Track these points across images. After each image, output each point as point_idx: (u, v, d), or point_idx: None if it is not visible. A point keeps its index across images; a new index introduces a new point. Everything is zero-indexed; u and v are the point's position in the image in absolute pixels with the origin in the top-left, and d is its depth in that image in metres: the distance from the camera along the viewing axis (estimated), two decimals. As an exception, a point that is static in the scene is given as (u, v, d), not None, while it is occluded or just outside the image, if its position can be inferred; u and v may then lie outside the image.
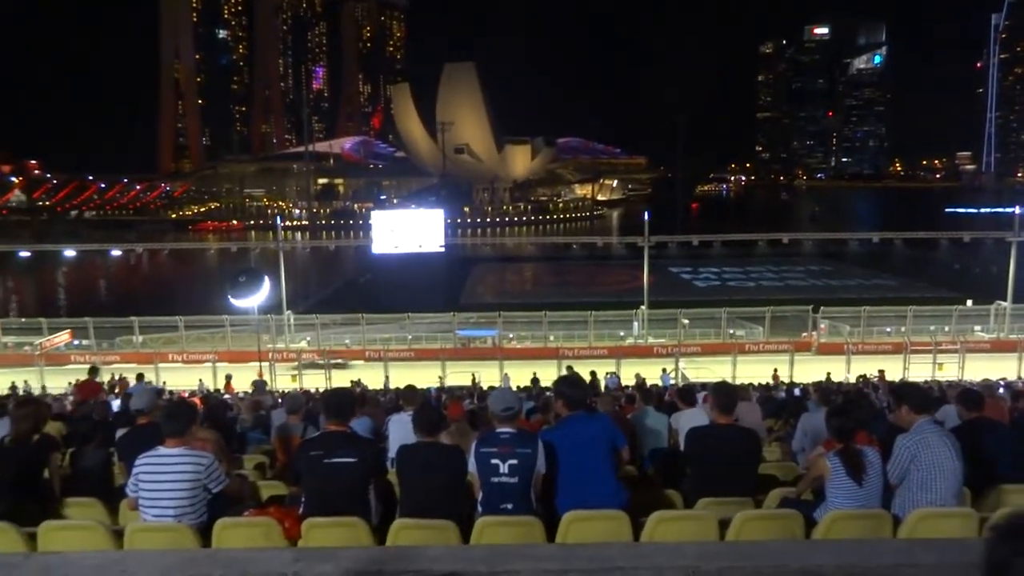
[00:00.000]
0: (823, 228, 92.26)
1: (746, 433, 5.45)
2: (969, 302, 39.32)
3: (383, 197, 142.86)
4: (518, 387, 22.04)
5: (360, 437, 5.25)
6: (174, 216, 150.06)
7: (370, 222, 53.95)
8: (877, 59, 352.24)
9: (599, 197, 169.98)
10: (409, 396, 8.13)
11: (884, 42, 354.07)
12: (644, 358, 32.43)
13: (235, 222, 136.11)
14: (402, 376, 25.17)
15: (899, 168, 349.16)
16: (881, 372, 23.42)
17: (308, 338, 37.75)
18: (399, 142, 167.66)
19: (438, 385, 25.15)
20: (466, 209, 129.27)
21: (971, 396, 6.30)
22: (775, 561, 3.29)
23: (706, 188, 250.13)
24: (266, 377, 26.16)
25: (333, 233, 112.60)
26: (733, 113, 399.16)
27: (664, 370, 28.30)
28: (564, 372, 20.15)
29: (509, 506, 4.54)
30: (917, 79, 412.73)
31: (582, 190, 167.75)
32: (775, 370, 27.46)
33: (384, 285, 56.98)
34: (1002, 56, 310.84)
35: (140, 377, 18.48)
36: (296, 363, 31.63)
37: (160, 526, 4.41)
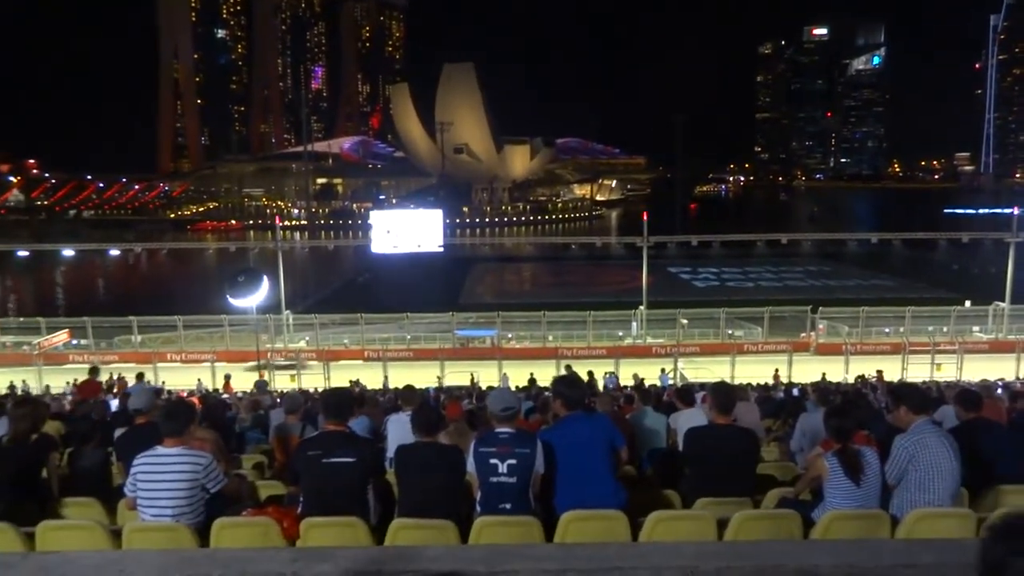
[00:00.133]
0: (822, 229, 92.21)
1: (744, 433, 5.45)
2: (967, 303, 39.39)
3: (382, 197, 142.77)
4: (517, 387, 22.04)
5: (359, 437, 5.25)
6: (173, 216, 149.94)
7: (369, 222, 54.02)
8: (876, 60, 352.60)
9: (598, 197, 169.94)
10: (408, 396, 8.13)
11: (883, 43, 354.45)
12: (643, 358, 32.45)
13: (234, 222, 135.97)
14: (401, 376, 25.17)
15: (898, 169, 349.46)
16: (879, 372, 23.48)
17: (307, 338, 37.75)
18: (398, 142, 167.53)
19: (437, 385, 25.17)
20: (465, 209, 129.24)
21: (969, 397, 6.30)
22: (773, 561, 3.30)
23: (705, 188, 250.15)
24: (255, 377, 26.21)
25: (332, 233, 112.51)
26: (732, 113, 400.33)
27: (663, 370, 28.33)
28: (563, 372, 20.16)
29: (508, 506, 4.54)
30: (916, 80, 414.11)
31: (581, 190, 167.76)
32: (776, 370, 27.50)
33: (383, 285, 57.00)
34: (1000, 57, 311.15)
35: (140, 377, 18.47)
36: (256, 363, 31.71)
37: (158, 526, 4.41)
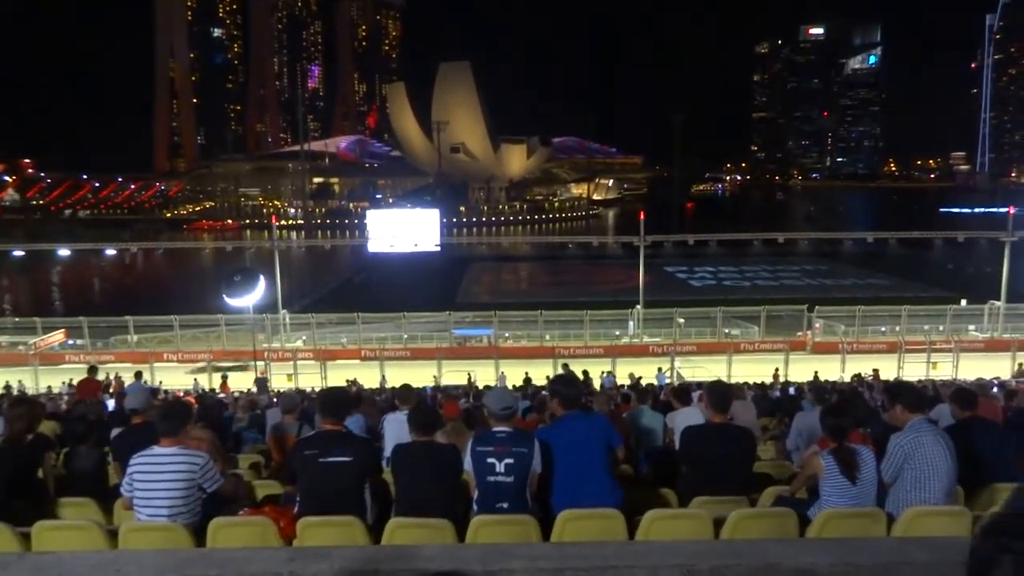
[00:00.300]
0: (818, 228, 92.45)
1: (741, 432, 5.46)
2: (963, 302, 39.50)
3: (379, 196, 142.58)
4: (514, 386, 22.07)
5: (355, 436, 5.25)
6: (169, 215, 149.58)
7: (366, 221, 53.95)
8: (872, 59, 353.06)
9: (595, 196, 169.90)
10: (404, 395, 8.12)
11: (879, 42, 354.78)
12: (640, 357, 32.51)
13: (230, 221, 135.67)
14: (398, 375, 25.16)
15: (894, 168, 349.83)
16: (875, 371, 23.53)
17: (304, 337, 37.72)
18: (395, 141, 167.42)
19: (434, 384, 25.18)
20: (462, 208, 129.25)
21: (965, 395, 6.32)
22: (769, 560, 3.30)
23: (702, 187, 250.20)
24: (250, 376, 26.22)
25: (328, 232, 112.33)
26: (729, 113, 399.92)
27: (660, 369, 28.36)
28: (559, 371, 20.17)
29: (505, 505, 4.54)
30: (912, 80, 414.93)
31: (578, 189, 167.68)
32: (776, 369, 27.55)
33: (380, 284, 56.99)
34: (996, 57, 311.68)
35: (138, 375, 18.43)
36: (203, 364, 31.67)
37: (154, 526, 4.40)
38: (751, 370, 27.78)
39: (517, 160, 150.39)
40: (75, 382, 20.14)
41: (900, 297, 45.50)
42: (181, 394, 20.73)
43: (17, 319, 41.89)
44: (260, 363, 30.26)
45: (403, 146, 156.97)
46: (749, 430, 5.96)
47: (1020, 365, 27.31)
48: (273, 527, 4.45)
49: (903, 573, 3.23)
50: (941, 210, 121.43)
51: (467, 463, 4.72)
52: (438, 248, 51.16)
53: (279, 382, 27.46)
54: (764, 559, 3.30)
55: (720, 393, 5.52)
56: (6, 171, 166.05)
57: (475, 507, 4.68)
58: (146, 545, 4.25)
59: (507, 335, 36.94)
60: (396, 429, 6.77)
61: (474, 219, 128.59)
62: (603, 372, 26.63)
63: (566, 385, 5.28)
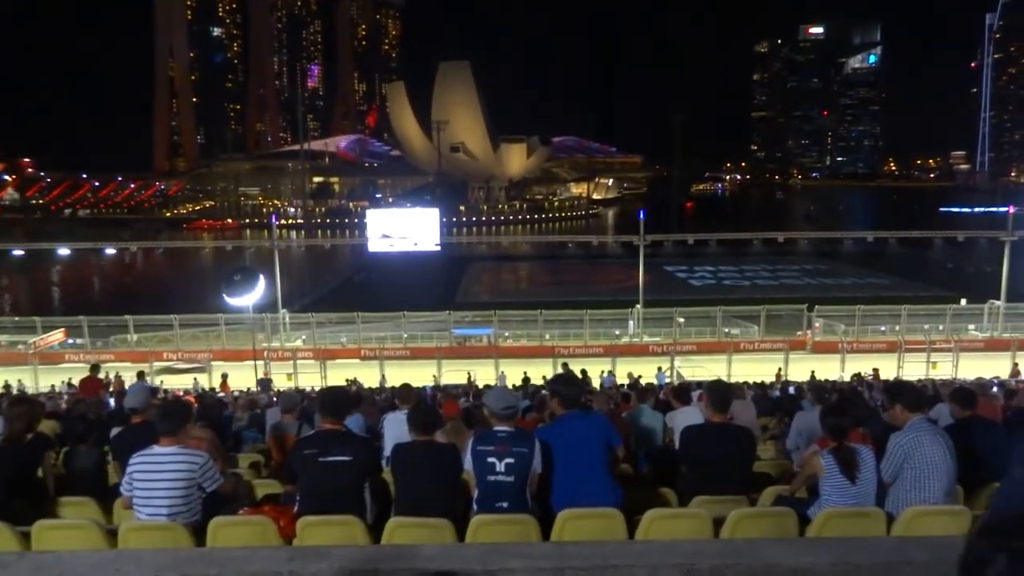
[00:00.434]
0: (818, 227, 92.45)
1: (740, 431, 5.46)
2: (963, 301, 39.52)
3: (378, 196, 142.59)
4: (514, 385, 22.08)
5: (355, 436, 5.25)
6: (169, 215, 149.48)
7: (365, 221, 53.92)
8: (872, 59, 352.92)
9: (594, 196, 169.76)
10: (404, 395, 8.12)
11: (879, 42, 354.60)
12: (639, 357, 32.51)
13: (230, 220, 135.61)
14: (398, 375, 25.17)
15: (893, 167, 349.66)
16: (875, 371, 23.54)
17: (303, 336, 37.72)
18: (394, 140, 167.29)
19: (433, 384, 25.19)
20: (462, 208, 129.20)
21: (964, 395, 6.32)
22: (769, 559, 3.30)
23: (701, 187, 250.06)
24: (250, 375, 26.22)
25: (328, 232, 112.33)
26: (729, 112, 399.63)
27: (659, 369, 28.36)
28: (559, 371, 20.18)
29: (505, 504, 4.54)
30: (912, 79, 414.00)
31: (577, 189, 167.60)
32: (779, 369, 27.54)
33: (379, 284, 56.97)
34: (996, 56, 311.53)
35: (141, 375, 18.42)
36: (174, 364, 31.63)
37: (154, 525, 4.40)
38: (751, 369, 27.79)
39: (517, 159, 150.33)
40: (75, 381, 20.17)
41: (900, 297, 45.50)
42: (181, 393, 20.74)
43: (17, 318, 41.91)
44: (260, 362, 30.26)
45: (403, 145, 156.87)
46: (749, 430, 5.96)
47: (1015, 365, 27.30)
48: (273, 526, 4.45)
49: (903, 573, 3.23)
50: (941, 209, 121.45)
51: (467, 462, 4.72)
52: (438, 247, 51.16)
53: (279, 381, 27.46)
54: (764, 559, 3.30)
55: (720, 393, 5.52)
56: (6, 170, 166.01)
57: (475, 506, 4.68)
58: (146, 544, 4.25)
59: (507, 334, 36.95)
60: (396, 428, 6.77)
61: (474, 218, 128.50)
62: (603, 372, 26.65)
63: (566, 384, 5.28)
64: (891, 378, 21.63)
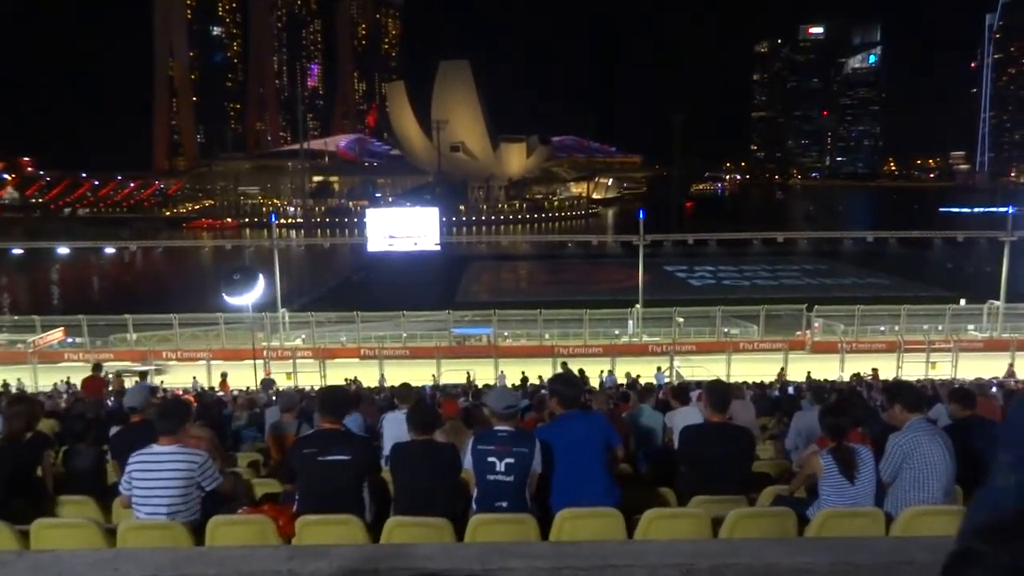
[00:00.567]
0: (818, 227, 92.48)
1: (739, 431, 5.46)
2: (962, 301, 39.51)
3: (378, 195, 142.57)
4: (513, 385, 22.09)
5: (354, 435, 5.25)
6: (168, 214, 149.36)
7: (365, 220, 53.87)
8: (872, 59, 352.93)
9: (594, 195, 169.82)
10: (403, 394, 8.12)
11: (879, 42, 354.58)
12: (639, 356, 32.51)
13: (230, 220, 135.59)
14: (397, 374, 25.16)
15: (893, 168, 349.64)
16: (875, 371, 23.55)
17: (303, 336, 37.72)
18: (394, 140, 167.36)
19: (433, 383, 25.19)
20: (461, 207, 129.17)
21: (964, 395, 6.33)
22: (768, 559, 3.30)
23: (701, 187, 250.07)
24: (250, 374, 26.19)
25: (328, 231, 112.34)
26: (728, 112, 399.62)
27: (659, 368, 28.36)
28: (558, 370, 20.16)
29: (504, 504, 4.54)
30: (911, 79, 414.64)
31: (577, 188, 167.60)
32: (781, 369, 27.52)
33: (379, 283, 56.93)
34: (996, 56, 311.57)
35: (143, 376, 18.36)
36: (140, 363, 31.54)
37: (153, 524, 4.40)
38: (750, 369, 27.78)
39: (516, 159, 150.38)
40: (74, 380, 20.15)
41: (899, 297, 45.51)
42: (180, 392, 20.73)
43: (16, 317, 41.91)
44: (259, 361, 30.26)
45: (403, 145, 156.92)
46: (748, 429, 5.96)
47: (1010, 365, 27.31)
48: (272, 525, 4.45)
49: (902, 573, 3.23)
50: (941, 210, 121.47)
51: (467, 461, 4.72)
52: (437, 247, 51.13)
53: (278, 381, 27.44)
54: (763, 558, 3.30)
55: (719, 392, 5.52)
56: (5, 169, 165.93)
57: (474, 506, 4.67)
58: (145, 544, 4.24)
59: (506, 334, 36.94)
60: (395, 428, 6.77)
61: (473, 218, 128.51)
62: (602, 372, 26.65)
63: (565, 384, 5.28)
64: (890, 378, 21.64)
